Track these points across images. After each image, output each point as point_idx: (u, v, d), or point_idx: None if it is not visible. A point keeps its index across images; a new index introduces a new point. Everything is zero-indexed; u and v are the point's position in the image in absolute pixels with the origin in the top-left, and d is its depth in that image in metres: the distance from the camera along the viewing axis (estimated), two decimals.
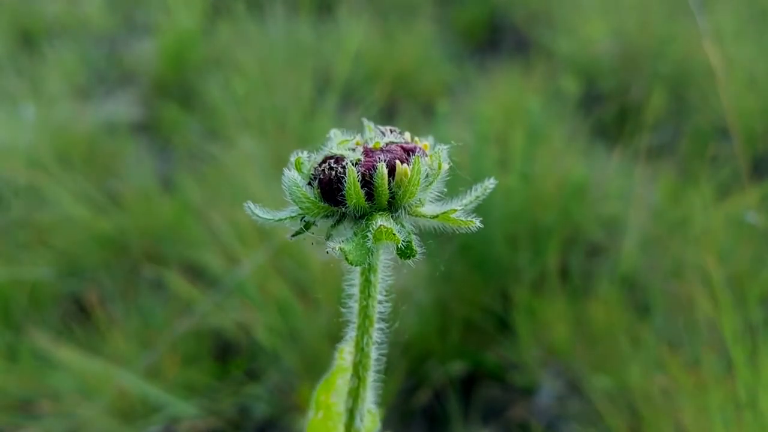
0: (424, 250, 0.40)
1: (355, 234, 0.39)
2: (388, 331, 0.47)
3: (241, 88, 2.06)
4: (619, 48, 2.42)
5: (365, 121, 0.44)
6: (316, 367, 1.31)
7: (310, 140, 1.73)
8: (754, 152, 1.87)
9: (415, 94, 2.47)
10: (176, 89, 2.48)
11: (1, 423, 1.29)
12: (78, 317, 1.53)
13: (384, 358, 0.48)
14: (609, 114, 2.17)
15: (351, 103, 2.26)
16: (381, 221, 0.38)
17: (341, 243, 0.38)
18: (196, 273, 1.56)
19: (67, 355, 1.31)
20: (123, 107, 2.43)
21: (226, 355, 1.45)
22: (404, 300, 1.39)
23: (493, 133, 1.63)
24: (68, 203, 1.70)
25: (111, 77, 2.64)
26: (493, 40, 3.01)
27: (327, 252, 0.38)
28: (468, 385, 1.40)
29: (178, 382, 1.34)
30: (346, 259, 0.38)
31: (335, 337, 1.34)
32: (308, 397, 1.28)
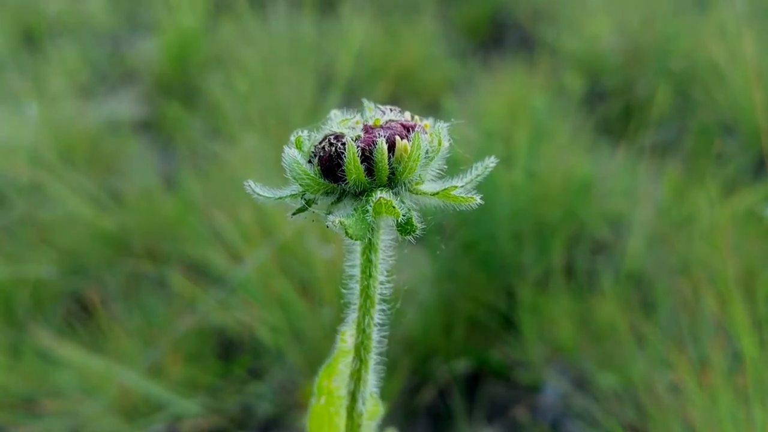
0: (425, 226, 0.40)
1: (355, 209, 0.39)
2: (389, 312, 0.47)
3: (244, 86, 2.06)
4: (623, 44, 2.40)
5: (365, 102, 0.44)
6: (320, 365, 1.30)
7: None
8: (759, 148, 1.86)
9: (419, 91, 2.46)
10: (179, 87, 2.48)
11: (4, 421, 1.29)
12: (80, 315, 1.53)
13: (386, 340, 0.48)
14: (613, 111, 2.16)
15: (354, 100, 2.25)
16: (381, 195, 0.38)
17: (342, 217, 0.38)
18: (199, 271, 1.56)
19: (70, 353, 1.31)
20: (125, 105, 2.42)
21: (229, 353, 1.45)
22: (409, 298, 1.38)
23: (498, 130, 1.62)
24: (71, 201, 1.69)
25: (113, 75, 2.64)
26: (496, 37, 3.00)
27: (327, 226, 0.38)
28: (472, 383, 1.39)
29: (181, 381, 1.33)
30: (347, 233, 0.38)
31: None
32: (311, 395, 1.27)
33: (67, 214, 1.70)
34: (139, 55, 2.74)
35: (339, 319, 1.40)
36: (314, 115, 1.92)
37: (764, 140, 1.39)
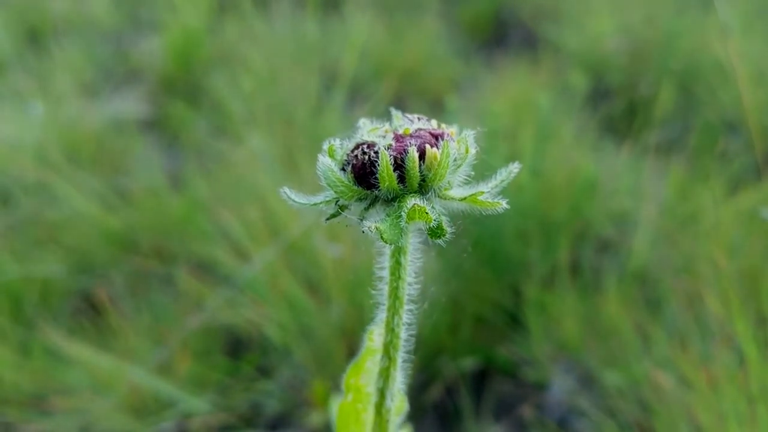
0: (454, 230, 0.42)
1: (388, 215, 0.41)
2: (416, 312, 0.48)
3: (248, 85, 2.07)
4: (627, 43, 2.41)
5: (393, 111, 0.46)
6: (328, 363, 1.31)
7: (318, 136, 1.73)
8: (765, 146, 1.87)
9: (423, 90, 2.46)
10: (183, 86, 2.49)
11: (14, 419, 1.30)
12: (89, 314, 1.53)
13: (413, 339, 0.49)
14: (618, 109, 2.17)
15: (358, 99, 2.26)
16: (414, 201, 0.40)
17: (376, 222, 0.40)
18: (207, 269, 1.56)
19: (79, 351, 1.32)
20: (130, 104, 2.43)
21: (238, 351, 1.46)
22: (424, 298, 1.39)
23: (502, 129, 1.63)
24: (77, 201, 1.70)
25: (118, 75, 2.64)
26: (499, 36, 3.01)
27: (363, 231, 0.40)
28: (479, 380, 1.40)
29: (190, 379, 1.34)
30: (382, 237, 0.39)
31: (346, 333, 1.34)
32: (320, 393, 1.28)
33: (74, 212, 1.71)
34: (144, 55, 2.75)
35: (347, 318, 1.41)
36: (319, 114, 1.93)
37: (755, 139, 1.40)
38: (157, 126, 2.36)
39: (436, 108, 2.29)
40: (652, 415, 1.15)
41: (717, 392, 1.05)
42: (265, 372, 1.39)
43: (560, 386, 1.33)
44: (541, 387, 1.36)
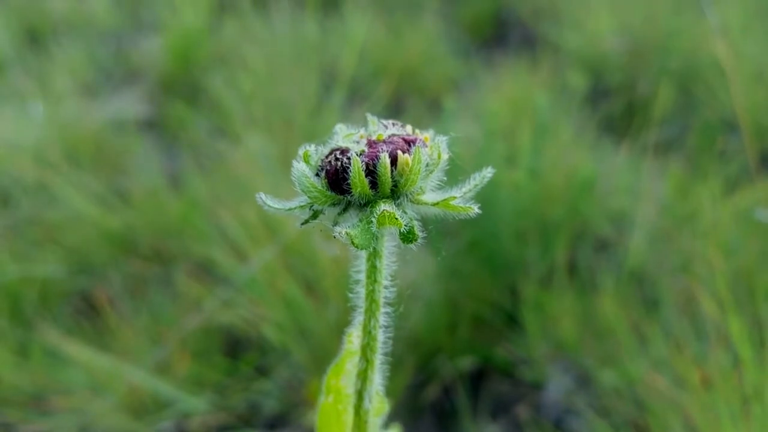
0: (426, 235, 0.42)
1: (360, 220, 0.42)
2: (393, 315, 0.49)
3: (248, 85, 2.07)
4: (625, 43, 2.41)
5: (369, 116, 0.47)
6: (326, 362, 1.31)
7: (316, 136, 1.74)
8: (761, 147, 1.87)
9: (422, 89, 2.47)
10: (183, 86, 2.49)
11: (13, 419, 1.30)
12: (88, 314, 1.54)
13: (390, 341, 0.50)
14: (616, 109, 2.17)
15: (357, 98, 2.26)
16: (384, 207, 0.41)
17: (348, 228, 0.40)
18: (205, 270, 1.57)
19: (78, 351, 1.32)
20: (130, 105, 2.44)
21: (236, 351, 1.46)
22: (413, 296, 1.39)
23: (500, 129, 1.63)
24: (77, 201, 1.71)
25: (118, 75, 2.65)
26: (499, 35, 3.01)
27: (334, 236, 0.40)
28: (477, 380, 1.40)
29: (188, 378, 1.34)
30: (352, 242, 0.40)
31: (344, 333, 1.35)
32: (318, 392, 1.28)
33: (74, 213, 1.71)
34: (143, 55, 2.75)
35: (344, 317, 1.41)
36: (318, 114, 1.93)
37: (746, 140, 1.40)
38: (156, 126, 2.36)
39: (434, 107, 2.29)
40: (648, 414, 1.16)
41: (712, 392, 1.05)
42: (263, 372, 1.40)
43: (557, 386, 1.33)
44: (538, 387, 1.36)
